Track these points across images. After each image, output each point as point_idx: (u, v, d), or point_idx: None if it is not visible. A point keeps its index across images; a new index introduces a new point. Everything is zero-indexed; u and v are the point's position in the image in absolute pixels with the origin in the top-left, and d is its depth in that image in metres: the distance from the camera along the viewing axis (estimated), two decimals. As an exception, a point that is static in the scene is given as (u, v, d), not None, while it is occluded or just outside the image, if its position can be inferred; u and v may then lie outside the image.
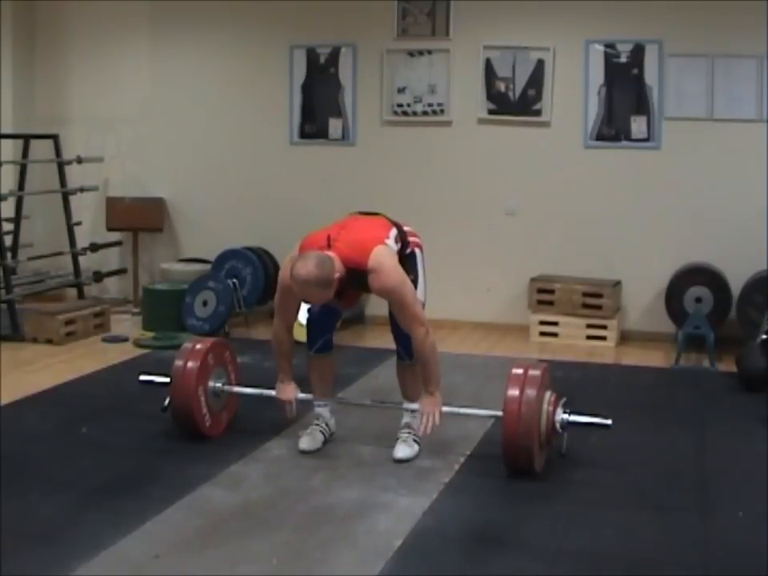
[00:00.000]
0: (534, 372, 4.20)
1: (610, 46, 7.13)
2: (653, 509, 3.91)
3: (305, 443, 4.50)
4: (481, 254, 7.50)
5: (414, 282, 4.31)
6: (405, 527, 3.65)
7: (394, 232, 4.33)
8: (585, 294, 7.04)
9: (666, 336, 6.99)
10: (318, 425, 4.60)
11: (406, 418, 4.52)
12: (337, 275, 4.02)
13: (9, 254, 7.35)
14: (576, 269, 7.24)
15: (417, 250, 4.49)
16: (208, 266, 7.65)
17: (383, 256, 4.13)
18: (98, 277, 7.98)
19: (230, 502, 3.89)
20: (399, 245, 4.34)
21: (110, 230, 8.12)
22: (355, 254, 4.10)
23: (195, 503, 3.88)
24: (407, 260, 4.37)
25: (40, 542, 3.48)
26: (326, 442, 4.57)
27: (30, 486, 4.03)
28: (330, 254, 4.08)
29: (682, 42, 6.98)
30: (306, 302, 4.26)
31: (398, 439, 4.46)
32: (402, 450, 4.41)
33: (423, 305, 4.37)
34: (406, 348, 4.36)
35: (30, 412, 5.14)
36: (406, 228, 4.46)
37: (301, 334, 4.64)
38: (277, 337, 4.47)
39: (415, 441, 4.47)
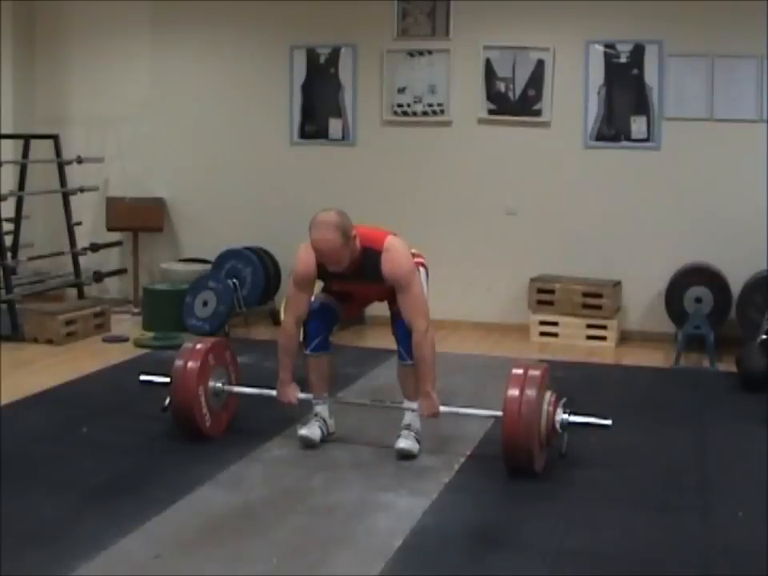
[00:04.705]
0: (534, 372, 4.20)
1: (609, 46, 7.13)
2: (653, 509, 3.91)
3: (304, 430, 4.53)
4: (481, 253, 7.50)
5: None
6: (405, 527, 3.65)
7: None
8: (585, 294, 7.04)
9: (666, 336, 6.99)
10: (316, 421, 4.60)
11: (407, 419, 4.53)
12: (354, 233, 4.21)
13: (9, 254, 7.34)
14: (576, 269, 7.24)
15: (422, 269, 4.58)
16: (208, 266, 7.65)
17: (398, 243, 4.39)
18: (98, 277, 7.97)
19: (230, 502, 3.89)
20: None
21: (110, 230, 8.12)
22: (370, 237, 4.34)
23: (195, 503, 3.88)
24: None
25: (40, 542, 3.48)
26: (323, 439, 4.57)
27: (30, 486, 4.02)
28: None
29: (682, 42, 6.97)
30: (324, 259, 4.25)
31: (399, 436, 4.47)
32: (404, 442, 4.42)
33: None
34: (407, 348, 4.39)
35: (30, 412, 5.13)
36: (412, 250, 4.54)
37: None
38: (285, 331, 4.53)
39: (416, 440, 4.48)
